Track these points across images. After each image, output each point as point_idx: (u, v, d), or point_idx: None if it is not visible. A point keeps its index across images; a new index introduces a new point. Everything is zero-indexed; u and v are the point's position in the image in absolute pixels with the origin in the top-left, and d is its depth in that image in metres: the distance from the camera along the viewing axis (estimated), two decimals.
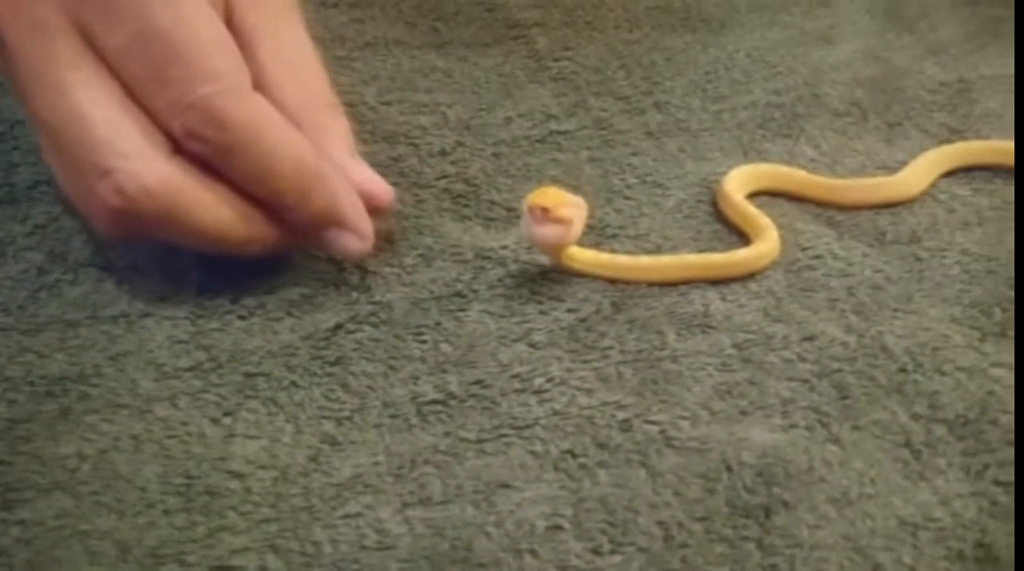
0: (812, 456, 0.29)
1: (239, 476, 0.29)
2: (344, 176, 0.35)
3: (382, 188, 0.36)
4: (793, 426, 0.31)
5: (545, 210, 0.33)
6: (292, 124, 0.33)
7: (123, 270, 0.36)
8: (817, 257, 0.38)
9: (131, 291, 0.36)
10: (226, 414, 0.31)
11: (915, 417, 0.31)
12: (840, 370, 0.33)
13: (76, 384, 0.32)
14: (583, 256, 0.36)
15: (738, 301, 0.36)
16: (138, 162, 0.31)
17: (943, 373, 0.32)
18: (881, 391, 0.32)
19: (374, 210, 0.36)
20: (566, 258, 0.36)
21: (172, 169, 0.31)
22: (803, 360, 0.33)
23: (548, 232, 0.34)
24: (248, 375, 0.32)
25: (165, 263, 0.36)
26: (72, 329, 0.34)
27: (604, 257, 0.37)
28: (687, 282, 0.36)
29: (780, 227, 0.39)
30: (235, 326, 0.34)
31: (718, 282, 0.37)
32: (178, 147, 0.32)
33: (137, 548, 0.27)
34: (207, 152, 0.32)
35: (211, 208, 0.32)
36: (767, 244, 0.37)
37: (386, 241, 0.38)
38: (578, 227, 0.35)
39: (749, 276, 0.37)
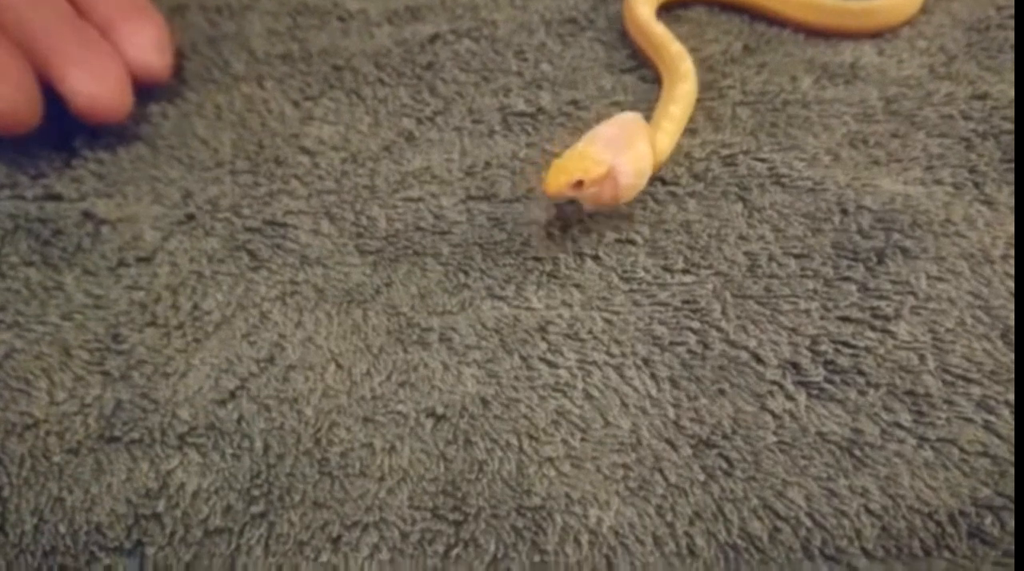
0: (952, 211, 0.24)
1: (309, 153, 0.28)
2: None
3: (154, 63, 0.28)
4: (937, 182, 0.26)
5: (581, 183, 0.23)
6: None
7: None
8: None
9: None
10: (307, 99, 0.30)
11: None
12: (1011, 132, 0.27)
13: (181, 59, 0.31)
14: None
15: (898, 56, 0.30)
16: None
17: None
18: None
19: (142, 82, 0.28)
20: None
21: None
22: (967, 118, 0.27)
23: (600, 195, 0.24)
24: (336, 68, 0.31)
25: None
26: (178, 13, 0.34)
27: None
28: (825, 30, 0.31)
29: None
30: (333, 26, 0.33)
31: (876, 36, 0.31)
32: None
33: (199, 195, 0.26)
34: None
35: None
36: None
37: None
38: (628, 166, 0.24)
39: (885, 28, 0.31)
